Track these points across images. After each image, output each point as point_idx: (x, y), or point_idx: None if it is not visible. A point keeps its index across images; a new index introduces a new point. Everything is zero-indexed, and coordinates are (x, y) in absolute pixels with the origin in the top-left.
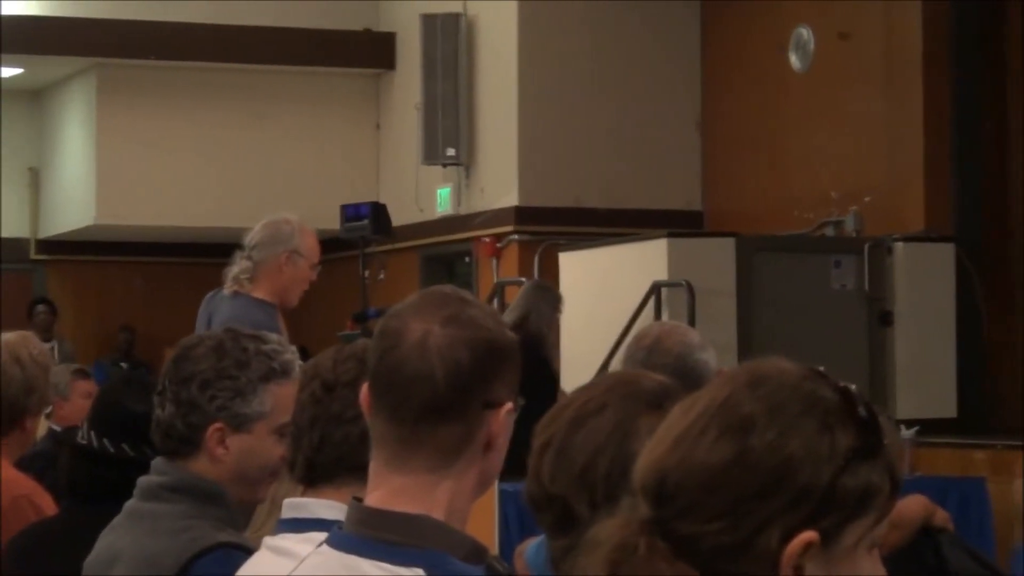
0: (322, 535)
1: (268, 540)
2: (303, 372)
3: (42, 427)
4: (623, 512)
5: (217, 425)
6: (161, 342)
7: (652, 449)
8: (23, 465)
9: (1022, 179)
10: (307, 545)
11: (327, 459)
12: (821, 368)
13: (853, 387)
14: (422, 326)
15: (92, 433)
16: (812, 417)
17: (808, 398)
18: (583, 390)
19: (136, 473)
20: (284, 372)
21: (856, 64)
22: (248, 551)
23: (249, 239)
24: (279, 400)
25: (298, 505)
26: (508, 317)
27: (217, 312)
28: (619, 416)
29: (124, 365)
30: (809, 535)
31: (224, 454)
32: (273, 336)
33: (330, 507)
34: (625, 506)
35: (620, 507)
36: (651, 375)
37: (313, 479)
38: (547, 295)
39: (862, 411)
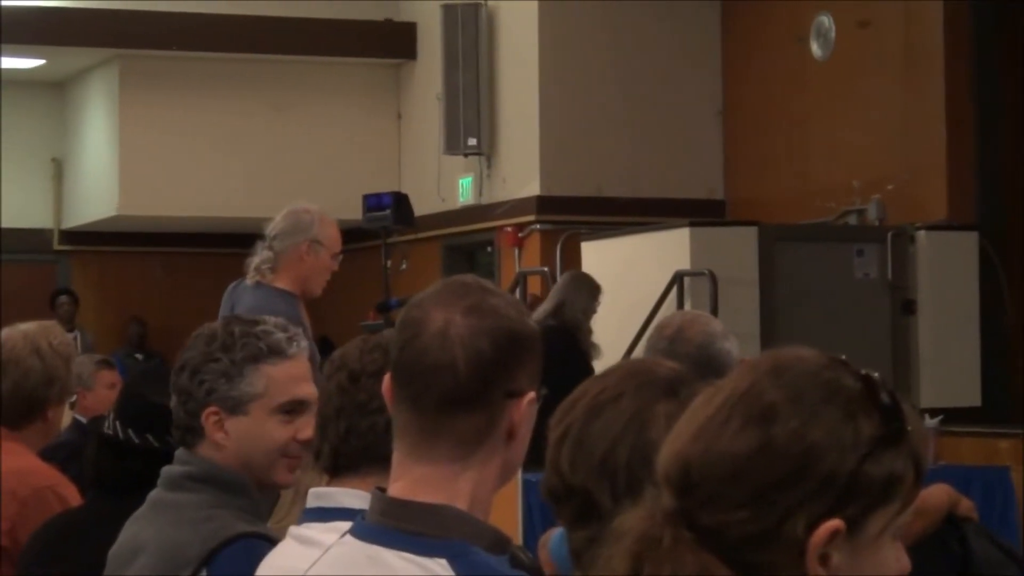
0: (347, 524)
1: (293, 529)
2: (329, 362)
3: (66, 417)
4: (646, 503)
5: (211, 409)
6: (182, 332)
7: (675, 439)
8: (47, 455)
9: None
10: (332, 534)
11: (353, 449)
12: (843, 356)
13: (875, 374)
14: (443, 315)
15: (117, 424)
16: (835, 405)
17: (830, 386)
18: (597, 379)
19: (161, 464)
20: (275, 352)
21: (877, 52)
22: (271, 541)
23: (270, 229)
24: (275, 380)
25: (323, 494)
26: (543, 307)
27: (239, 302)
28: (636, 404)
29: (139, 356)
30: (835, 523)
31: (224, 439)
32: (270, 319)
33: (355, 496)
34: (648, 497)
35: (643, 498)
36: (665, 362)
37: (338, 468)
38: (584, 285)
39: (885, 398)
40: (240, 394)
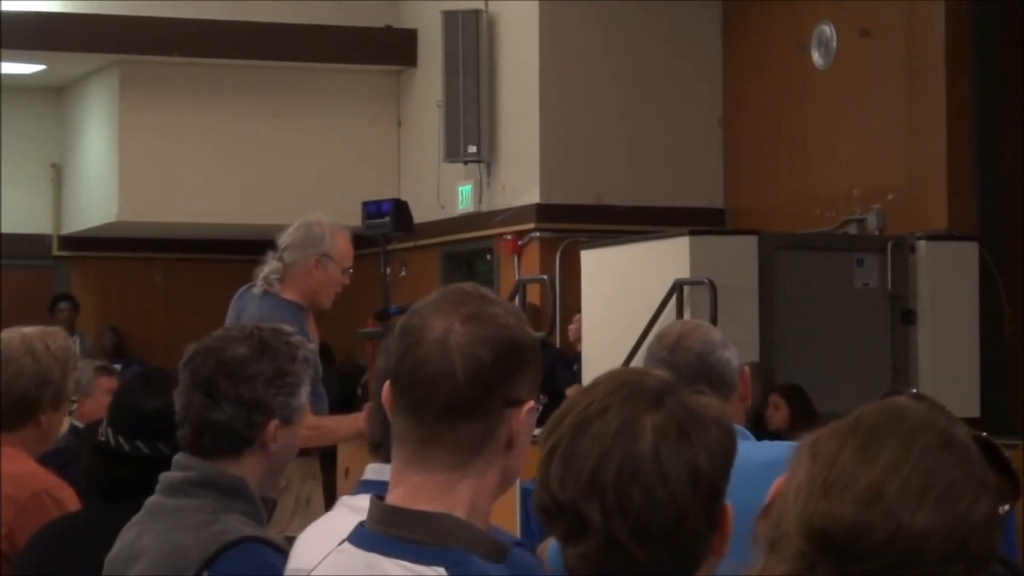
0: None
1: (345, 499)
2: (382, 353)
3: (64, 423)
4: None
5: (275, 421)
6: (182, 339)
7: (831, 492)
8: (44, 461)
9: None
10: None
11: None
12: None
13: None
14: (443, 324)
15: (109, 431)
16: (985, 483)
17: (975, 459)
18: (585, 392)
19: (152, 470)
20: (313, 367)
21: (878, 61)
22: (273, 545)
23: (282, 239)
24: (306, 394)
25: (380, 470)
26: None
27: (245, 310)
28: (623, 417)
29: (117, 367)
30: None
31: (275, 448)
32: (288, 327)
33: None
34: (783, 546)
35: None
36: (653, 372)
37: None
38: None
39: (1013, 467)
40: (299, 406)
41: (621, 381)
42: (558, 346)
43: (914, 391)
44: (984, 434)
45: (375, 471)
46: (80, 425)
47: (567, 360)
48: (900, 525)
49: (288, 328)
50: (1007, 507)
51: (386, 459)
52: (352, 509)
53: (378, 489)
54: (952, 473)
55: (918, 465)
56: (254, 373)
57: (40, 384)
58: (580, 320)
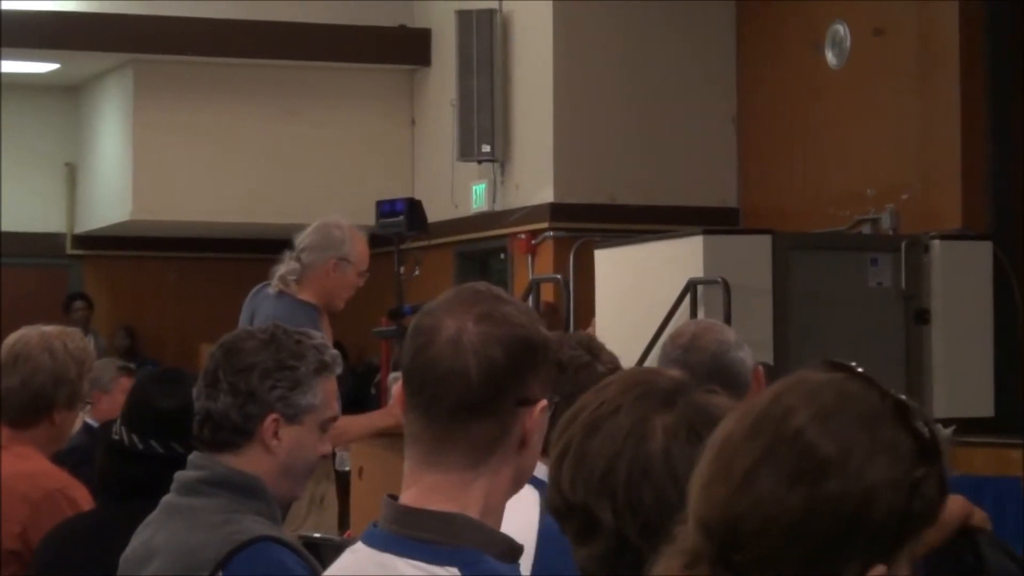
0: (528, 488)
1: None
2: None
3: (77, 422)
4: (679, 547)
5: (274, 416)
6: (196, 337)
7: (711, 482)
8: (58, 459)
9: None
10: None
11: None
12: (865, 372)
13: (905, 399)
14: (456, 323)
15: (124, 429)
16: (882, 449)
17: (874, 425)
18: (597, 392)
19: (165, 469)
20: (333, 367)
21: (892, 60)
22: (288, 545)
23: (299, 240)
24: (327, 394)
25: None
26: None
27: (260, 309)
28: (634, 417)
29: (131, 366)
30: (880, 569)
31: (277, 445)
32: (316, 333)
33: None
34: (680, 540)
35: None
36: (665, 372)
37: None
38: None
39: (922, 427)
40: (304, 404)
41: (633, 381)
42: None
43: (833, 361)
44: (903, 397)
45: None
46: (94, 423)
47: None
48: (770, 511)
49: (316, 333)
50: (923, 471)
51: None
52: None
53: None
54: (833, 445)
55: (793, 445)
56: (252, 363)
57: (57, 382)
58: (596, 325)
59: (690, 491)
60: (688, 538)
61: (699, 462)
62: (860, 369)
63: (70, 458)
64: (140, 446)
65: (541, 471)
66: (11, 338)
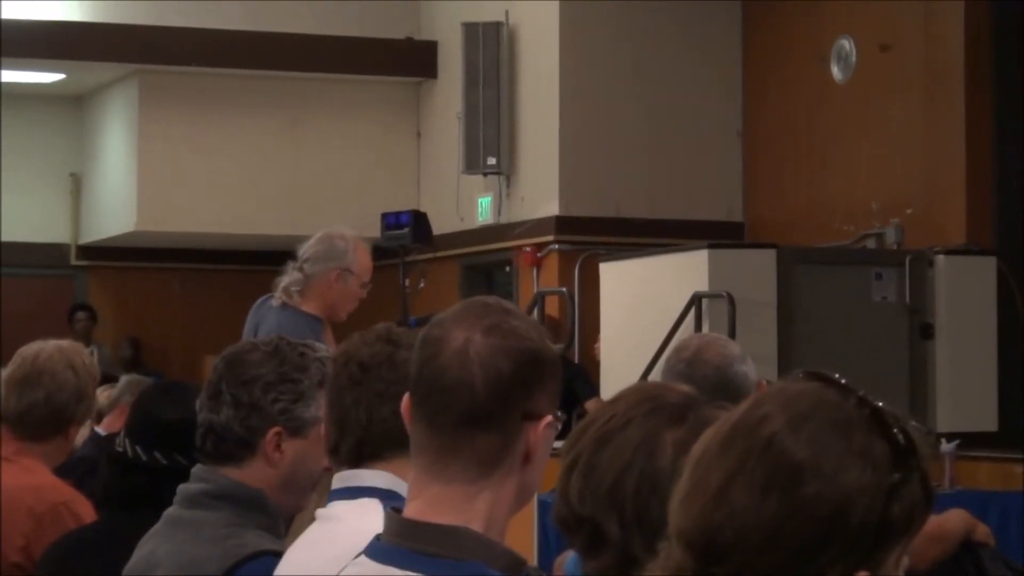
0: (374, 501)
1: (318, 512)
2: (334, 360)
3: (86, 430)
4: (662, 563)
5: (277, 428)
6: (201, 349)
7: (690, 494)
8: (64, 470)
9: None
10: (356, 510)
11: (376, 436)
12: (843, 381)
13: (881, 404)
14: (463, 335)
15: (127, 441)
16: (856, 453)
17: (848, 430)
18: (607, 405)
19: (168, 481)
20: None
21: (897, 75)
22: None
23: (303, 251)
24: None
25: (348, 477)
26: None
27: (264, 322)
28: (644, 431)
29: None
30: (863, 574)
31: (279, 458)
32: (320, 345)
33: (381, 477)
34: (663, 553)
35: (659, 551)
36: (676, 387)
37: (363, 458)
38: None
39: (898, 433)
40: (308, 417)
41: (643, 396)
42: (578, 358)
43: (812, 371)
44: (880, 403)
45: (344, 479)
46: (103, 433)
47: (586, 374)
48: (746, 521)
49: (320, 345)
50: (900, 476)
51: (349, 462)
52: (321, 519)
53: (349, 496)
54: (806, 451)
55: (766, 453)
56: (254, 376)
57: (79, 398)
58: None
59: (671, 506)
60: (670, 553)
61: (680, 475)
62: (840, 378)
63: (77, 468)
64: (144, 458)
65: (387, 481)
66: (30, 351)
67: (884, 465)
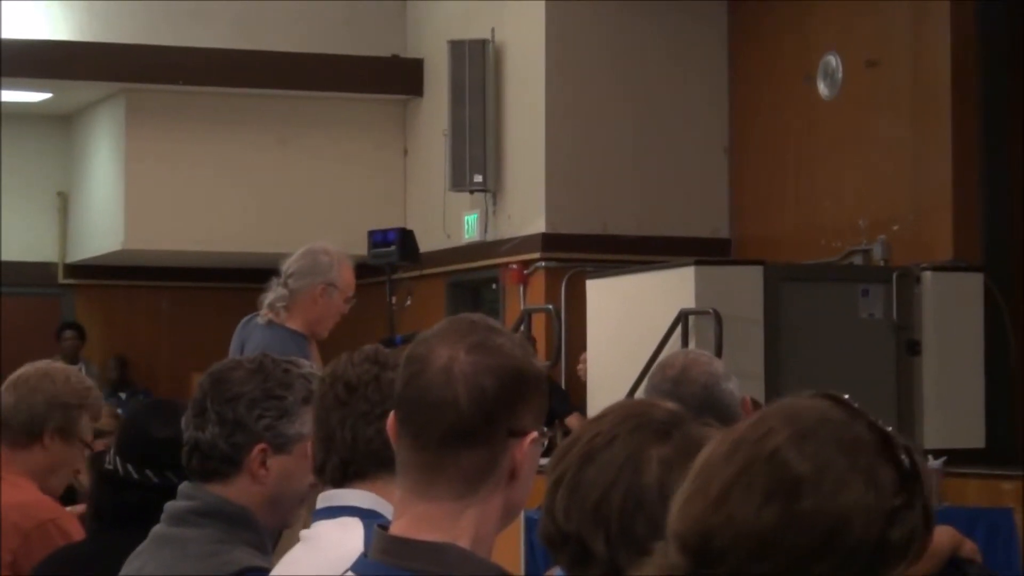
0: (355, 520)
1: (301, 532)
2: (321, 380)
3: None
4: (656, 562)
5: (262, 445)
6: (188, 366)
7: (690, 498)
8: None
9: None
10: (337, 529)
11: (361, 456)
12: (856, 404)
13: (891, 430)
14: (448, 352)
15: (117, 459)
16: (859, 473)
17: (854, 452)
18: (593, 422)
19: (160, 499)
20: None
21: (884, 92)
22: None
23: (287, 266)
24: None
25: (332, 496)
26: None
27: (250, 340)
28: (629, 448)
29: (122, 396)
30: None
31: (265, 475)
32: (305, 361)
33: (364, 496)
34: (657, 554)
35: (648, 553)
36: (661, 404)
37: (348, 478)
38: None
39: (904, 458)
40: (294, 433)
41: (629, 412)
42: (563, 376)
43: (824, 392)
44: (889, 429)
45: (327, 498)
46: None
47: (562, 391)
48: (742, 526)
49: (304, 362)
50: (902, 500)
51: (334, 482)
52: (303, 538)
53: (331, 515)
54: (808, 464)
55: (768, 464)
56: (239, 393)
57: (51, 405)
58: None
59: (670, 509)
60: (664, 553)
61: (683, 482)
62: (850, 400)
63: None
64: (135, 476)
65: (370, 501)
66: (17, 371)
67: (888, 488)
